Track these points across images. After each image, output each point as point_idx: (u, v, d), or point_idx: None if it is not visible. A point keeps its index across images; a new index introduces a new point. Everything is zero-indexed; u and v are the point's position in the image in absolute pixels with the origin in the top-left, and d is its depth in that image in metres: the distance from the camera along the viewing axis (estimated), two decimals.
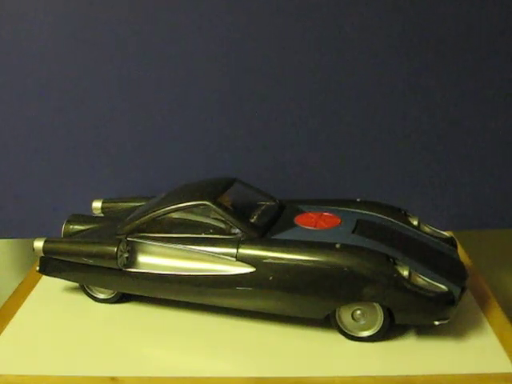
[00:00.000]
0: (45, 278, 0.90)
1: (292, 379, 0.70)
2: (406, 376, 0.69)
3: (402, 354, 0.73)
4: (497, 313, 0.81)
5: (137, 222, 0.82)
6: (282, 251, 0.75)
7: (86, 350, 0.77)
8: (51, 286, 0.90)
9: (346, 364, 0.72)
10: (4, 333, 0.81)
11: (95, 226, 0.89)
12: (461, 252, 0.89)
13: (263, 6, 0.93)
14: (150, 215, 0.82)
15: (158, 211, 0.81)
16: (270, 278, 0.75)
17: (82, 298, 0.87)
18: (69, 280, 0.86)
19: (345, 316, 0.75)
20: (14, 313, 0.85)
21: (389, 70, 0.95)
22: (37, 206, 1.03)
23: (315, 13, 0.93)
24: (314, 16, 0.93)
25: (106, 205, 0.96)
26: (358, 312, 0.75)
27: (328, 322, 0.76)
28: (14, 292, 0.91)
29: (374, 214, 0.86)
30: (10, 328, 0.82)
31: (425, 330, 0.76)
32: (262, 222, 0.81)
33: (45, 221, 1.02)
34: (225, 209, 0.80)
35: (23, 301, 0.88)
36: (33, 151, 1.00)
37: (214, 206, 0.79)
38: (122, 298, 0.86)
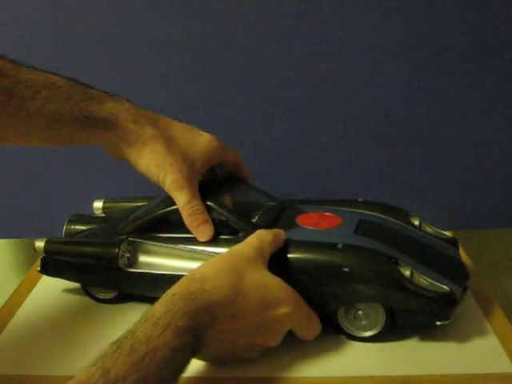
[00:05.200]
0: (45, 278, 0.90)
1: (292, 379, 0.70)
2: (406, 376, 0.69)
3: (402, 354, 0.73)
4: (497, 313, 0.81)
5: (138, 222, 0.82)
6: (283, 251, 0.75)
7: (86, 350, 0.75)
8: (51, 286, 0.90)
9: (346, 364, 0.72)
10: (4, 333, 0.81)
11: (96, 226, 0.89)
12: (461, 252, 0.89)
13: (266, 7, 0.93)
14: (151, 215, 0.81)
15: (160, 211, 0.81)
16: None
17: (82, 298, 0.87)
18: (70, 280, 0.86)
19: (346, 316, 0.75)
20: (14, 313, 0.85)
21: (389, 71, 0.95)
22: (37, 205, 1.03)
23: (318, 13, 0.93)
24: (316, 16, 0.93)
25: (108, 205, 0.96)
26: (360, 312, 0.75)
27: (328, 322, 0.76)
28: (13, 292, 0.91)
29: (376, 214, 0.86)
30: (10, 328, 0.82)
31: (425, 330, 0.76)
32: (264, 222, 0.81)
33: (45, 221, 1.02)
34: (226, 209, 0.79)
35: (23, 301, 0.88)
36: (33, 151, 1.00)
37: (214, 206, 0.79)
38: (122, 298, 0.85)
